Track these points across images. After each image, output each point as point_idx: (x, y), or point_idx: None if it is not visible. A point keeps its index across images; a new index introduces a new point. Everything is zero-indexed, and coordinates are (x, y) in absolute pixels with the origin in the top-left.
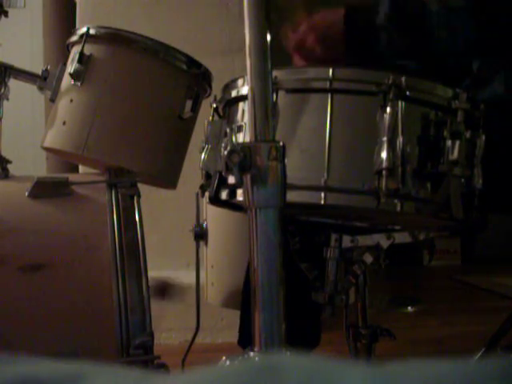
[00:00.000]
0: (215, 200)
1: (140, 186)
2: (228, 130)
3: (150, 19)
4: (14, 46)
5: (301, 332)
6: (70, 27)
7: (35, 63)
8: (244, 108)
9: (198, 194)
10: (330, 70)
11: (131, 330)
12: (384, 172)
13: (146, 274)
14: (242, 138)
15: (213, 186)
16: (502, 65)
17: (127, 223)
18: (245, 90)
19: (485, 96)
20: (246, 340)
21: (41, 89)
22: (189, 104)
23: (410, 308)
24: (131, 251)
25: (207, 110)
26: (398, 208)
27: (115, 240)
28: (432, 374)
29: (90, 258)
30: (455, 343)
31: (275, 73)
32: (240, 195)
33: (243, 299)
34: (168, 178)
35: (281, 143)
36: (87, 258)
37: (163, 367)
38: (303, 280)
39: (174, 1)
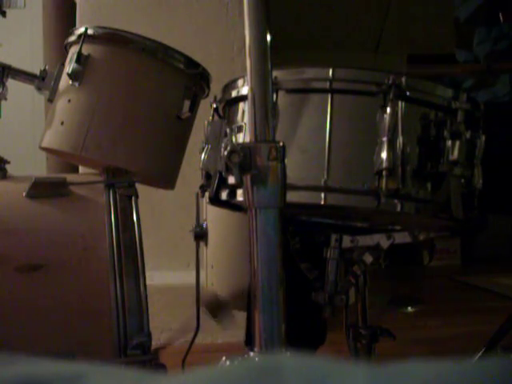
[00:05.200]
0: (215, 200)
1: (140, 186)
2: (228, 131)
3: (149, 19)
4: (13, 46)
5: (305, 331)
6: (70, 27)
7: (35, 63)
8: (244, 108)
9: (197, 194)
10: (330, 70)
11: (129, 330)
12: (384, 172)
13: (143, 275)
14: (242, 138)
15: (213, 187)
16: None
17: (125, 223)
18: (245, 90)
19: (487, 97)
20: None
21: (39, 89)
22: (187, 104)
23: (409, 308)
24: (129, 251)
25: (207, 110)
26: (398, 208)
27: (113, 240)
28: (432, 374)
29: (87, 259)
30: (455, 343)
31: (275, 73)
32: (240, 195)
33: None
34: (166, 179)
35: (281, 143)
36: (85, 259)
37: (161, 367)
38: (303, 280)
39: (173, 1)
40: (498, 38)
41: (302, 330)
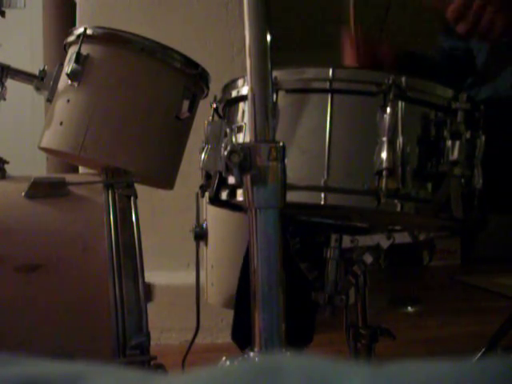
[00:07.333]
0: (215, 200)
1: (140, 186)
2: (228, 131)
3: (149, 20)
4: (13, 46)
5: (295, 330)
6: (70, 27)
7: (35, 63)
8: (244, 108)
9: (197, 194)
10: (330, 70)
11: (127, 330)
12: (384, 172)
13: (142, 275)
14: (242, 138)
15: (213, 187)
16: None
17: (124, 224)
18: (245, 90)
19: (488, 93)
20: (239, 334)
21: (38, 89)
22: (186, 104)
23: (409, 308)
24: (128, 252)
25: (207, 110)
26: (398, 208)
27: (112, 240)
28: (432, 374)
29: (86, 259)
30: (455, 343)
31: (275, 73)
32: (240, 195)
33: (238, 293)
34: (165, 179)
35: (281, 143)
36: (84, 259)
37: (160, 368)
38: (303, 280)
39: (173, 1)
40: None
41: (292, 330)
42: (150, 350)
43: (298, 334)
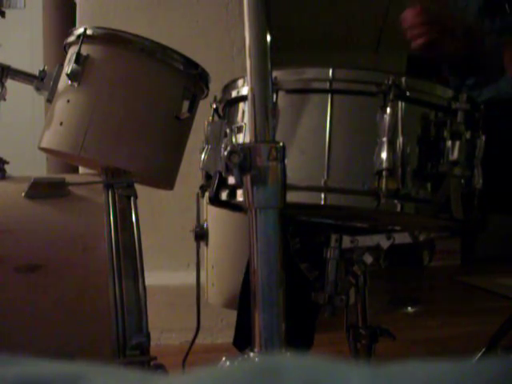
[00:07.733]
0: (215, 200)
1: (140, 186)
2: (228, 131)
3: (149, 20)
4: (14, 46)
5: (296, 333)
6: (70, 27)
7: (35, 63)
8: (244, 108)
9: (198, 195)
10: (330, 71)
11: (127, 330)
12: (384, 172)
13: (142, 275)
14: (242, 138)
15: (213, 187)
16: None
17: (124, 224)
18: (245, 90)
19: (490, 94)
20: (241, 341)
21: (38, 89)
22: (186, 105)
23: (409, 308)
24: (128, 252)
25: (207, 111)
26: (398, 208)
27: (112, 241)
28: (432, 374)
29: (86, 259)
30: (455, 343)
31: (275, 73)
32: (240, 196)
33: (241, 300)
34: (165, 179)
35: (281, 143)
36: (84, 259)
37: (160, 368)
38: (303, 281)
39: (173, 1)
40: (503, 29)
41: (293, 333)
42: (150, 350)
43: (298, 336)
